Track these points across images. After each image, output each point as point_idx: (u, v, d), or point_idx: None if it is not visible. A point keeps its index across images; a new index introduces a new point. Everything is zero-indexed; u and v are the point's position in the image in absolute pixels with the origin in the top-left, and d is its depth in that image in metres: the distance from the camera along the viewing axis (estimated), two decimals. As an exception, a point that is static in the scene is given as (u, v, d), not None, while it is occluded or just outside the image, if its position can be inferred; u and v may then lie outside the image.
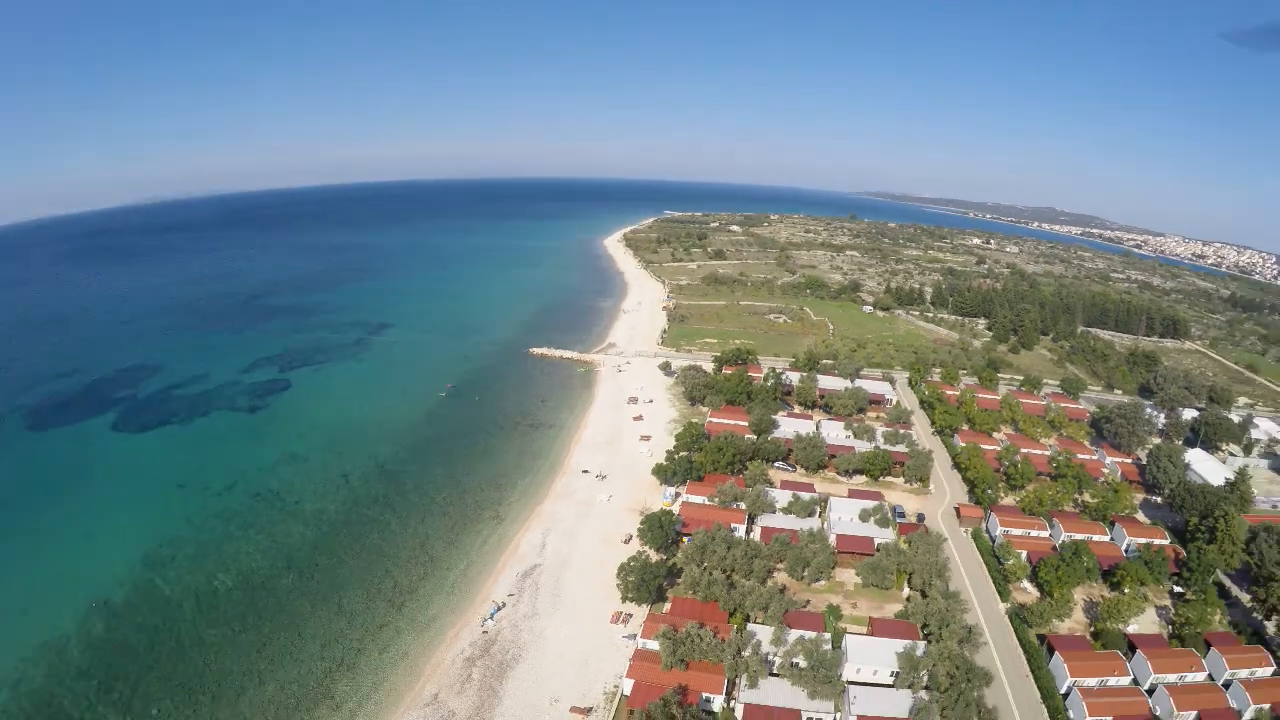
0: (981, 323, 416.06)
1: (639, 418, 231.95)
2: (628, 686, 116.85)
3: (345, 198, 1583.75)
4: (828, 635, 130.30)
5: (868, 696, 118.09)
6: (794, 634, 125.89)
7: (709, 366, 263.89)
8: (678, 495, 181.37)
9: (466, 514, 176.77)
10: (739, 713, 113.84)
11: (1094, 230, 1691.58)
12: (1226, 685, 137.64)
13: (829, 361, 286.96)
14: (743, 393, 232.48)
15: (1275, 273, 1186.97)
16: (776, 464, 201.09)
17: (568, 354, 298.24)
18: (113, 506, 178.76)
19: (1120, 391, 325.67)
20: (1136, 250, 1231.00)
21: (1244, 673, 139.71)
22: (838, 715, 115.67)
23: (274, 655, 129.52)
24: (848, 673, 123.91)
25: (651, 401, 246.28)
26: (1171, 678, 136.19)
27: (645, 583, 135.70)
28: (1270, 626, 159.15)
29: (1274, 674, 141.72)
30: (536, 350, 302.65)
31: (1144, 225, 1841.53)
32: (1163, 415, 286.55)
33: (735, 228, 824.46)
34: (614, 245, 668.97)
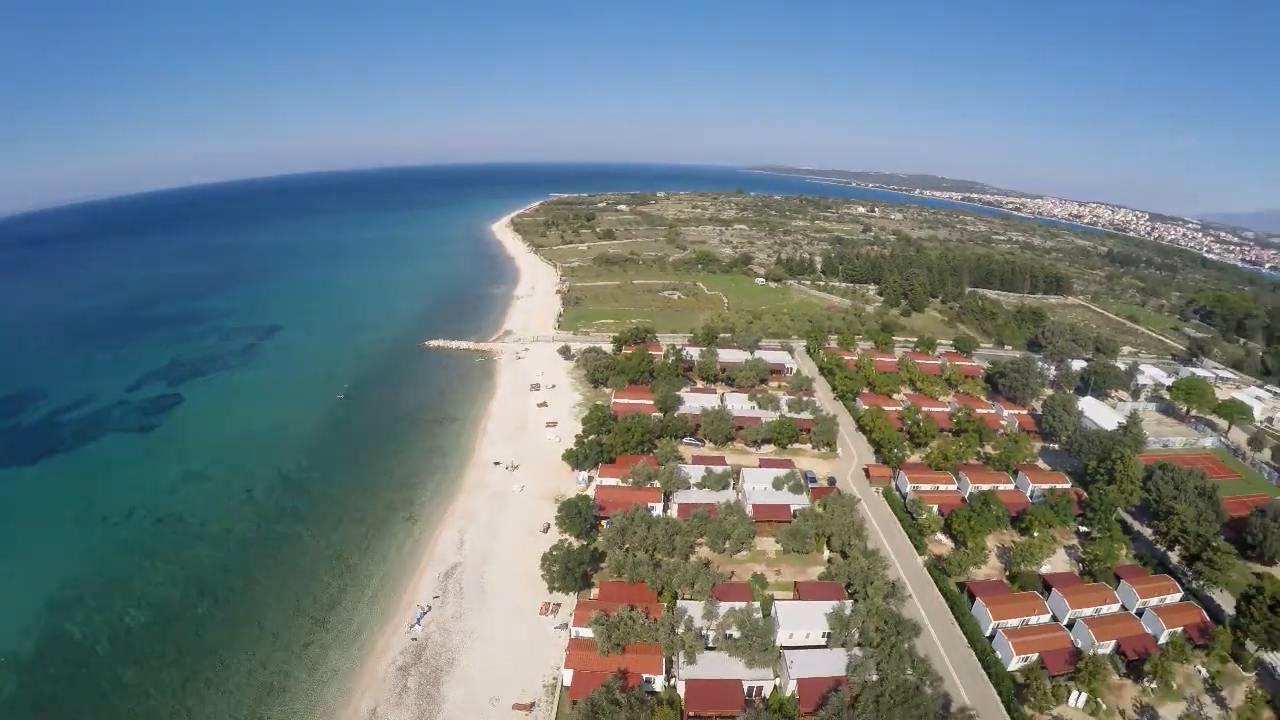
0: (872, 289, 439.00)
1: (543, 404, 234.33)
2: (567, 677, 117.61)
3: (221, 197, 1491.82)
4: (757, 604, 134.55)
5: (804, 659, 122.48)
6: (724, 606, 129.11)
7: (608, 347, 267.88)
8: (591, 479, 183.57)
9: (379, 518, 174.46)
10: (681, 690, 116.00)
11: (974, 195, 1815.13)
12: (1139, 613, 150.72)
13: (727, 335, 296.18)
14: (645, 371, 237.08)
15: (1148, 229, 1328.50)
16: (685, 440, 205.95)
17: (465, 345, 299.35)
18: (4, 552, 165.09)
19: (1010, 347, 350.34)
20: (1016, 213, 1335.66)
21: (1154, 601, 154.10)
22: (777, 681, 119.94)
23: (200, 690, 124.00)
24: (781, 638, 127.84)
25: (554, 387, 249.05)
26: (1088, 611, 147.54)
27: (570, 571, 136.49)
28: (1173, 556, 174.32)
29: (1182, 599, 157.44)
30: (433, 343, 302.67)
31: (1022, 189, 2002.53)
32: (1053, 367, 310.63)
33: (623, 207, 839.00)
34: (502, 231, 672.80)
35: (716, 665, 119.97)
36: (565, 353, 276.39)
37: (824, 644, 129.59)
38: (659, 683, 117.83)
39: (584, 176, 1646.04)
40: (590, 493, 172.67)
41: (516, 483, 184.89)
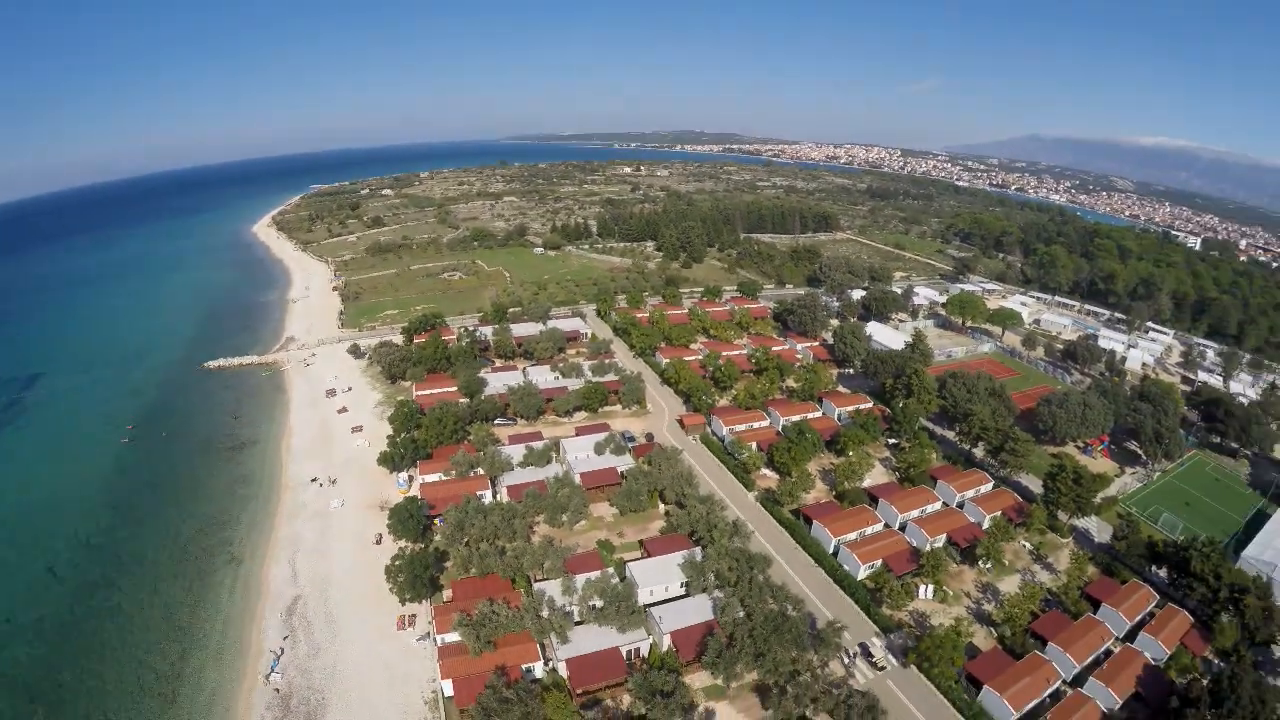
0: (650, 245, 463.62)
1: (343, 409, 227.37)
2: (448, 687, 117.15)
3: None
4: (611, 570, 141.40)
5: (671, 612, 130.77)
6: (581, 579, 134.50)
7: (399, 339, 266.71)
8: (412, 479, 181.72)
9: (200, 567, 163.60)
10: (563, 670, 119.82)
11: (734, 146, 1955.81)
12: (960, 506, 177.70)
13: (517, 309, 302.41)
14: (442, 358, 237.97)
15: (901, 164, 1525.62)
16: (497, 421, 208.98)
17: (247, 360, 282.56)
18: None
19: (791, 285, 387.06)
20: (776, 159, 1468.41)
21: (971, 493, 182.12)
22: (652, 638, 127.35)
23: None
24: (642, 597, 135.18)
25: (350, 389, 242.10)
26: (915, 513, 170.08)
27: (418, 578, 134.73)
28: (978, 452, 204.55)
29: (994, 488, 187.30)
30: (213, 364, 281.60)
31: (779, 136, 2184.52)
32: (835, 299, 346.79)
33: (388, 191, 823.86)
34: (264, 231, 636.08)
35: (590, 638, 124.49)
36: (355, 351, 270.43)
37: (684, 594, 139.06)
38: (539, 669, 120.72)
39: (343, 164, 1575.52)
40: (416, 493, 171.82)
41: (335, 498, 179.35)
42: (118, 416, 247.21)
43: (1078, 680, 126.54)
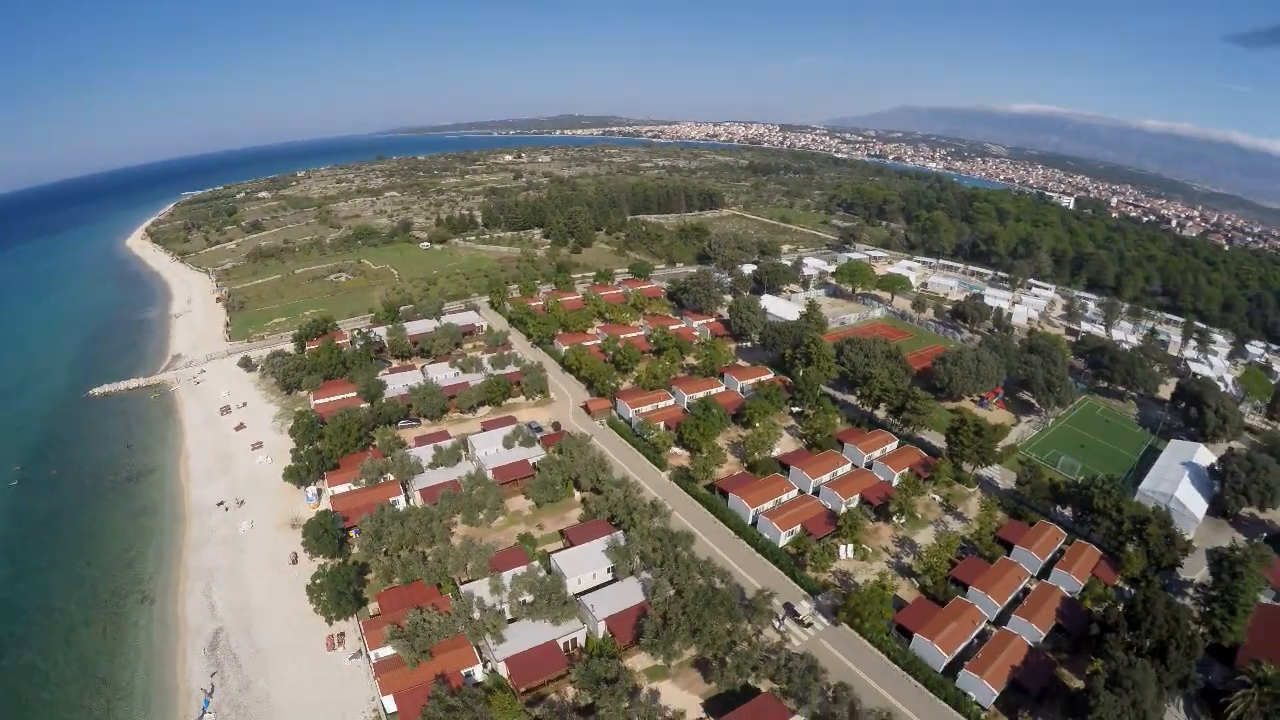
0: (537, 233, 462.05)
1: (241, 426, 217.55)
2: (390, 703, 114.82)
3: None
4: (536, 563, 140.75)
5: (603, 599, 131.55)
6: (507, 576, 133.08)
7: (291, 347, 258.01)
8: (321, 492, 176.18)
9: (111, 611, 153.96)
10: (503, 670, 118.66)
11: (614, 129, 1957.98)
12: (869, 466, 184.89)
13: (409, 307, 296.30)
14: (337, 363, 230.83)
15: (781, 139, 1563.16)
16: (401, 424, 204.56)
17: (133, 383, 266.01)
18: None
19: (682, 264, 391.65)
20: (657, 140, 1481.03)
21: (877, 453, 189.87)
22: (587, 627, 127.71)
23: None
24: (571, 587, 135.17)
25: (245, 405, 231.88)
26: (826, 477, 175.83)
27: (341, 594, 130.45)
28: (881, 413, 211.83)
29: (899, 446, 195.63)
30: (98, 391, 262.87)
31: (659, 116, 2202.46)
32: (727, 275, 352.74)
33: (264, 194, 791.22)
34: (139, 245, 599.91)
35: (526, 634, 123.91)
36: (246, 364, 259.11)
37: (612, 579, 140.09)
38: (479, 672, 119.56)
39: (215, 168, 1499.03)
40: (327, 506, 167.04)
41: (244, 520, 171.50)
42: (2, 457, 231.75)
43: (1001, 619, 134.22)
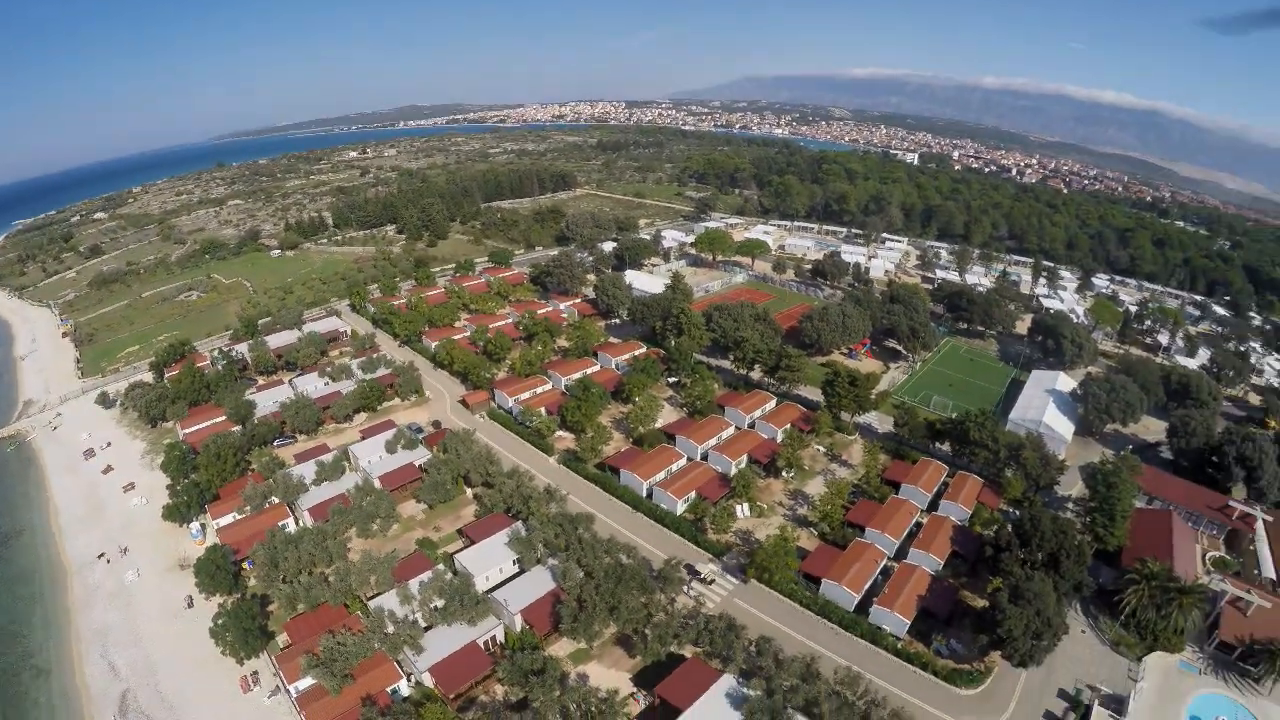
0: (391, 229, 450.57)
1: (108, 468, 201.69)
2: None
3: None
4: (440, 566, 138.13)
5: (514, 592, 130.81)
6: (414, 584, 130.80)
7: (149, 377, 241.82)
8: (205, 527, 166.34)
9: (7, 694, 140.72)
10: (428, 680, 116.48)
11: (459, 116, 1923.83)
12: (752, 425, 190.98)
13: (268, 319, 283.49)
14: (201, 387, 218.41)
15: (627, 115, 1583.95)
16: (277, 442, 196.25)
17: None
18: None
19: (542, 247, 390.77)
20: (503, 125, 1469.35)
21: (758, 412, 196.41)
22: (504, 623, 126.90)
23: None
24: (480, 585, 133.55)
25: (110, 445, 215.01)
26: (712, 441, 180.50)
27: (247, 631, 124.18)
28: (756, 374, 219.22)
29: (779, 404, 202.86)
30: None
31: (504, 101, 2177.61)
32: (588, 254, 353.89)
33: (101, 214, 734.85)
34: None
35: (444, 640, 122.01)
36: (104, 401, 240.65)
37: (519, 570, 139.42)
38: (404, 687, 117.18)
39: (46, 191, 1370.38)
40: (214, 540, 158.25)
41: (129, 569, 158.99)
42: None
43: (900, 554, 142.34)
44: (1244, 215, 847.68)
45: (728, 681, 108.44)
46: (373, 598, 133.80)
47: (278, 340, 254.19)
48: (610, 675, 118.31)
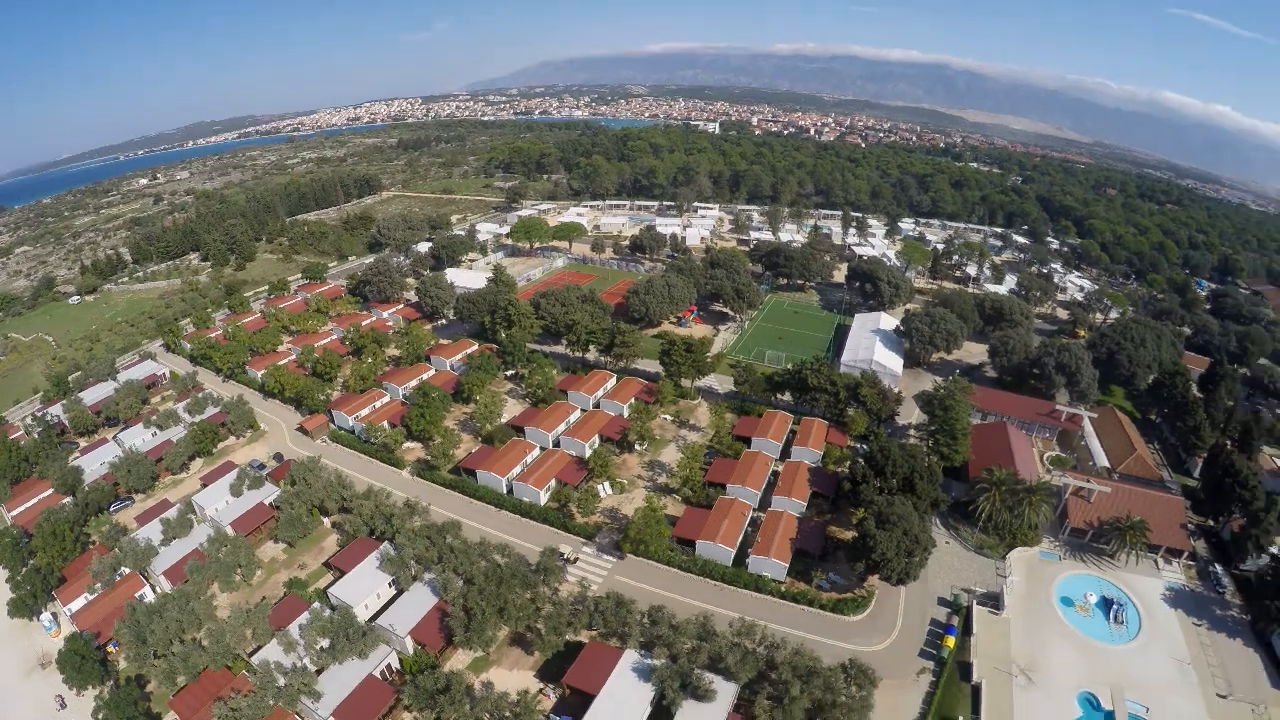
0: (194, 257, 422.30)
1: None
2: None
3: None
4: (316, 605, 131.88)
5: (399, 615, 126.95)
6: (293, 628, 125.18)
7: None
8: (57, 616, 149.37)
9: None
10: None
11: (251, 129, 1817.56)
12: (597, 405, 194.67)
13: (79, 374, 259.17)
14: (19, 461, 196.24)
15: (425, 112, 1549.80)
16: (114, 508, 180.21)
17: None
18: None
19: (355, 257, 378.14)
20: (298, 133, 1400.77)
21: (600, 392, 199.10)
22: (396, 649, 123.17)
23: None
24: (362, 615, 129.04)
25: None
26: (562, 428, 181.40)
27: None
28: (591, 355, 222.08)
29: (619, 380, 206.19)
30: None
31: (297, 109, 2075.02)
32: (404, 258, 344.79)
33: None
34: None
35: (340, 680, 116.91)
36: None
37: (397, 592, 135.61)
38: None
39: None
40: (71, 629, 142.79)
41: None
42: None
43: (764, 504, 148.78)
44: (1031, 152, 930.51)
45: (631, 657, 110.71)
46: (254, 652, 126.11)
47: (94, 395, 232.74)
48: (514, 677, 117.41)
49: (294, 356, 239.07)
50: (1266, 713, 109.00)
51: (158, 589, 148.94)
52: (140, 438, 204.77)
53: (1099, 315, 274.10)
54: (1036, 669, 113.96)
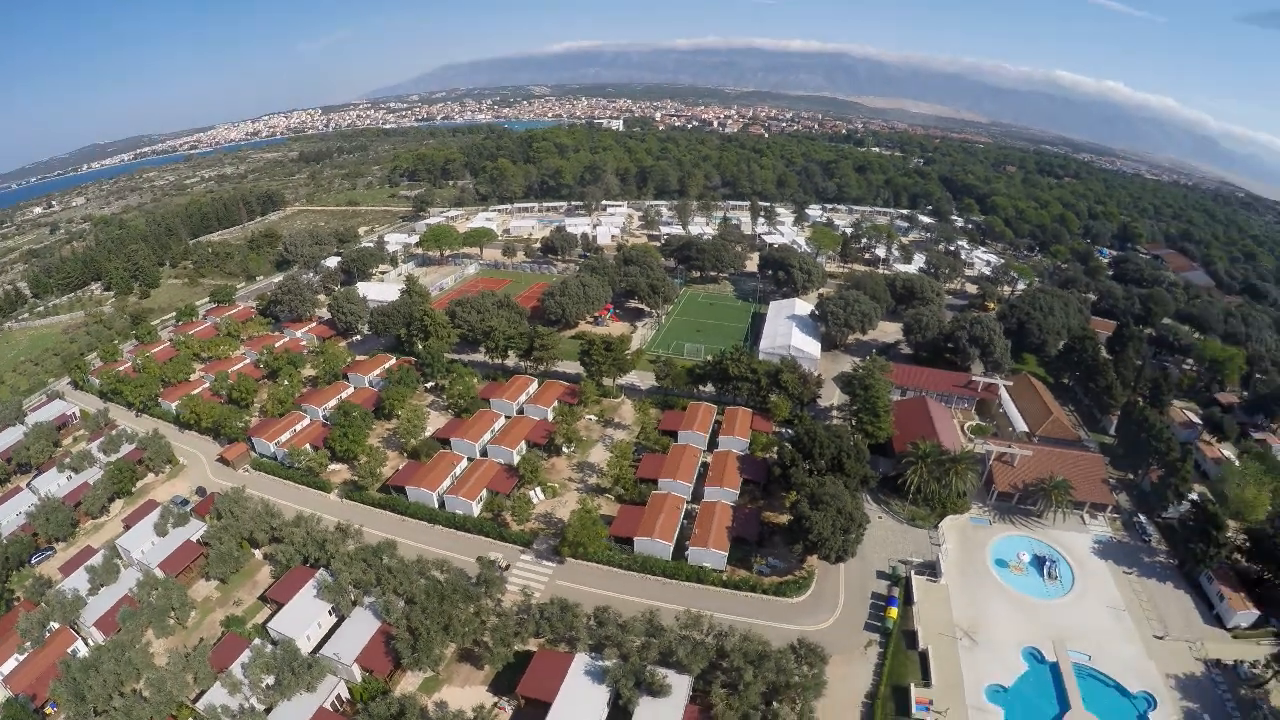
0: (96, 287, 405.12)
1: None
2: None
3: None
4: (257, 641, 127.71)
5: (344, 642, 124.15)
6: (236, 669, 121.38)
7: None
8: None
9: None
10: None
11: (146, 149, 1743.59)
12: (521, 411, 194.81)
13: None
14: None
15: (325, 122, 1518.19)
16: (34, 559, 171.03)
17: None
18: None
19: (263, 276, 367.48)
20: (196, 151, 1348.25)
21: (523, 397, 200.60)
22: (344, 678, 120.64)
23: None
24: (305, 646, 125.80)
25: None
26: (487, 436, 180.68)
27: None
28: (511, 361, 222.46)
29: (541, 384, 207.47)
30: None
31: (193, 125, 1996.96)
32: (314, 274, 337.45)
33: None
34: None
35: (292, 716, 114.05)
36: None
37: (339, 620, 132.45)
38: None
39: None
40: (4, 694, 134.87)
41: None
42: None
43: (697, 496, 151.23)
44: (932, 134, 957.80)
45: (583, 661, 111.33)
46: (199, 698, 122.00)
47: (2, 441, 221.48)
48: (467, 694, 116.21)
49: (208, 384, 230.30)
50: (1203, 648, 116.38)
51: (90, 641, 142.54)
52: (55, 483, 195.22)
53: (1007, 288, 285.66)
54: (979, 630, 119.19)
